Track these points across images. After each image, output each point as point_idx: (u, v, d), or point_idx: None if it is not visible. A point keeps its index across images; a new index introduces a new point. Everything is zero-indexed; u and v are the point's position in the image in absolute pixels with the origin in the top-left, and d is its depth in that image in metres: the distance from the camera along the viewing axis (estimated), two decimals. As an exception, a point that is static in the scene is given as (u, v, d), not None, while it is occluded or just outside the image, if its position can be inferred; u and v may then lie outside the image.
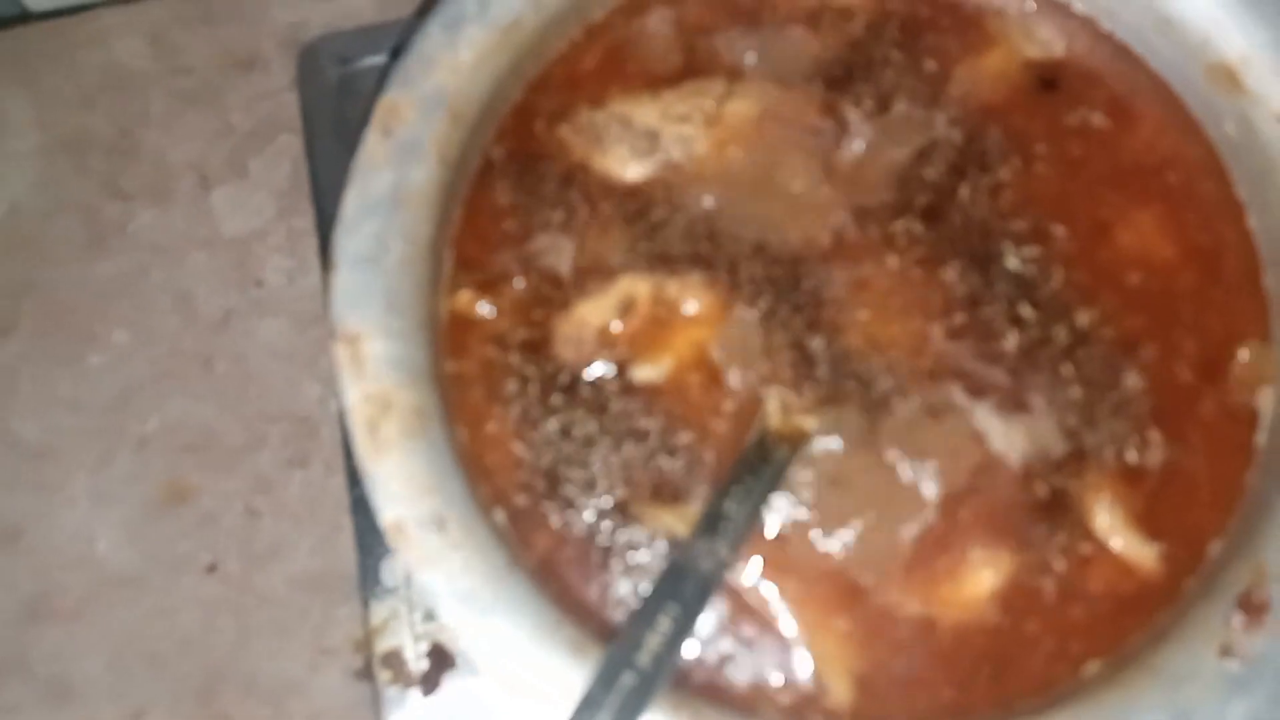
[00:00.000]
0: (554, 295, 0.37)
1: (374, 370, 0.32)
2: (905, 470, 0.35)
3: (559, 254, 0.38)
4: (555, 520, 0.34)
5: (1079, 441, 0.35)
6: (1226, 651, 0.31)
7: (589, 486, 0.35)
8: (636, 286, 0.37)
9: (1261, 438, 0.35)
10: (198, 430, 0.52)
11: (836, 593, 0.33)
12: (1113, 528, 0.34)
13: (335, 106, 0.56)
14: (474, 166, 0.37)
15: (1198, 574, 0.34)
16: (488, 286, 0.36)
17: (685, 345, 0.36)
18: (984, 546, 0.34)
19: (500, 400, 0.35)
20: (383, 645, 0.46)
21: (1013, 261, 0.37)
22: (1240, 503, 0.34)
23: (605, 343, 0.36)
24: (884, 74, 0.39)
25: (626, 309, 0.37)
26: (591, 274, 0.37)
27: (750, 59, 0.39)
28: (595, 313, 0.37)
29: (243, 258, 0.55)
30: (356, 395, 0.32)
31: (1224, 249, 0.37)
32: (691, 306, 0.37)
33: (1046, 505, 0.35)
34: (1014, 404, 0.35)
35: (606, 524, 0.35)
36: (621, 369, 0.36)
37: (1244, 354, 0.36)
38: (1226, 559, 0.33)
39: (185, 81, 0.59)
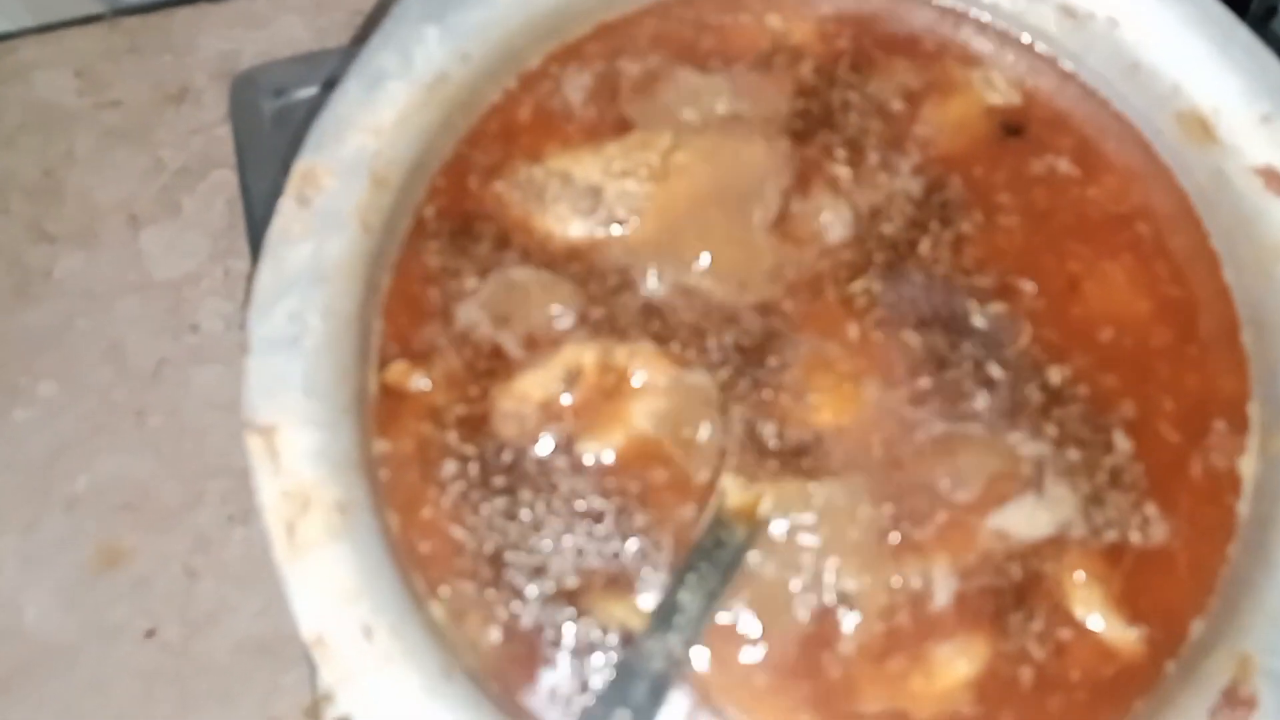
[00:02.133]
0: (494, 366, 0.34)
1: (291, 464, 0.30)
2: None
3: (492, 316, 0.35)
4: (499, 612, 0.32)
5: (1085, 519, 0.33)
6: (1213, 750, 0.29)
7: (536, 574, 0.33)
8: (582, 355, 0.34)
9: (1244, 507, 0.33)
10: (131, 488, 0.50)
11: (800, 688, 0.31)
12: (1092, 610, 0.32)
13: (271, 140, 0.53)
14: (404, 230, 0.35)
15: (1179, 657, 0.31)
16: (422, 358, 0.33)
17: (637, 418, 0.34)
18: (958, 635, 0.31)
19: (436, 482, 0.33)
20: (333, 712, 0.43)
21: (979, 319, 0.34)
22: (1222, 579, 0.32)
23: (550, 416, 0.34)
24: (845, 119, 0.37)
25: (572, 380, 0.34)
26: (533, 342, 0.35)
27: (698, 108, 0.36)
28: (538, 385, 0.34)
29: (176, 302, 0.53)
30: (272, 493, 0.29)
31: (1199, 304, 0.35)
32: (641, 377, 0.34)
33: (1021, 588, 0.32)
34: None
35: (554, 616, 0.32)
36: (568, 445, 0.33)
37: (1220, 425, 0.34)
38: (1209, 642, 0.31)
39: (112, 116, 0.56)
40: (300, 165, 0.32)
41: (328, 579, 0.29)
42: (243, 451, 0.48)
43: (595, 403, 0.34)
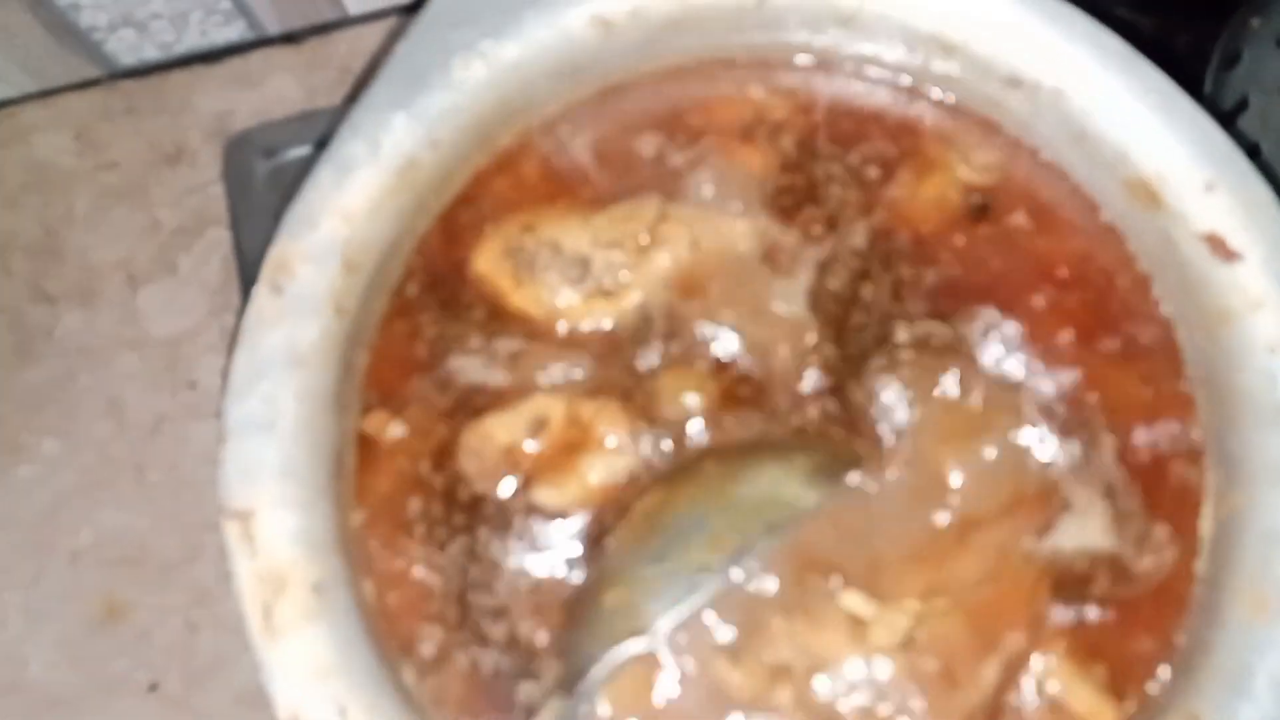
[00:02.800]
0: (465, 408, 0.35)
1: (267, 547, 0.31)
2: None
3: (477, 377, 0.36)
4: (463, 661, 0.33)
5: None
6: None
7: (498, 615, 0.33)
8: (550, 406, 0.35)
9: (1201, 566, 0.33)
10: (132, 542, 0.51)
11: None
12: (1070, 688, 0.33)
13: (265, 199, 0.54)
14: (379, 311, 0.36)
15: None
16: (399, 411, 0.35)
17: (592, 473, 0.35)
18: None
19: (404, 528, 0.33)
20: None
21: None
22: (1178, 640, 0.33)
23: (512, 461, 0.35)
24: (828, 192, 0.38)
25: (538, 428, 0.35)
26: (506, 394, 0.36)
27: (684, 180, 0.37)
28: (504, 428, 0.35)
29: (174, 359, 0.54)
30: (249, 577, 0.30)
31: (1154, 366, 0.36)
32: (605, 435, 0.35)
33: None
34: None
35: (511, 663, 0.33)
36: (525, 490, 0.34)
37: (1176, 485, 0.34)
38: (1164, 703, 0.32)
39: (110, 177, 0.57)
40: (273, 253, 0.33)
41: (303, 659, 0.30)
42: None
43: (557, 453, 0.34)
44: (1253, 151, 0.45)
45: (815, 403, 0.35)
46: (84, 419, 0.52)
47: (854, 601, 0.33)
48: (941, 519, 0.34)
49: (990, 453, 0.34)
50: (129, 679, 0.49)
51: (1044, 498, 0.34)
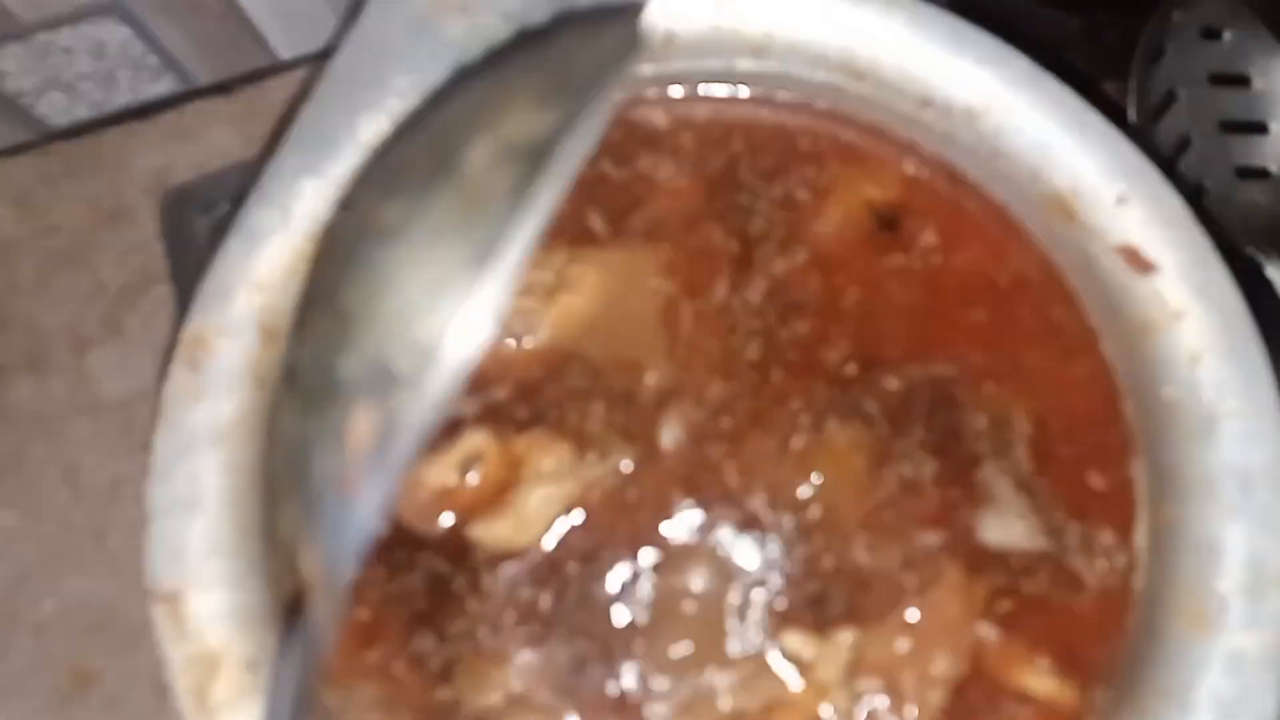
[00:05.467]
0: None
1: (196, 629, 0.30)
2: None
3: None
4: (411, 686, 0.33)
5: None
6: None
7: (444, 658, 0.33)
8: (480, 443, 0.35)
9: (1138, 580, 0.33)
10: (97, 609, 0.51)
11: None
12: (1024, 676, 0.33)
13: (206, 253, 0.53)
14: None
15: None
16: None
17: (531, 503, 0.35)
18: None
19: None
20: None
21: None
22: (1121, 651, 0.33)
23: (446, 500, 0.35)
24: (747, 223, 0.38)
25: (469, 466, 0.35)
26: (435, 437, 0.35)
27: (594, 221, 0.37)
28: (435, 471, 0.35)
29: (128, 421, 0.54)
30: (180, 659, 0.30)
31: (1083, 379, 0.36)
32: (539, 465, 0.35)
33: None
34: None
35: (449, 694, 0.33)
36: (461, 528, 0.34)
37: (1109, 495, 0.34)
38: (1108, 714, 0.32)
39: (53, 241, 0.57)
40: (188, 331, 0.33)
41: (239, 739, 0.30)
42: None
43: (492, 489, 0.34)
44: (1183, 144, 0.45)
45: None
46: (41, 488, 0.52)
47: (793, 642, 0.33)
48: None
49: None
50: (99, 749, 0.48)
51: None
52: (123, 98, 0.57)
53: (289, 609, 0.32)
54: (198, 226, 0.55)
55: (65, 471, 0.53)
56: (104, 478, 0.53)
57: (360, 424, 0.21)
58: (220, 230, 0.55)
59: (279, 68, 0.58)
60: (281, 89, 0.59)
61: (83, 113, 0.57)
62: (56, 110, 0.56)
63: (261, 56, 0.57)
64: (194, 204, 0.55)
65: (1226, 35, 0.46)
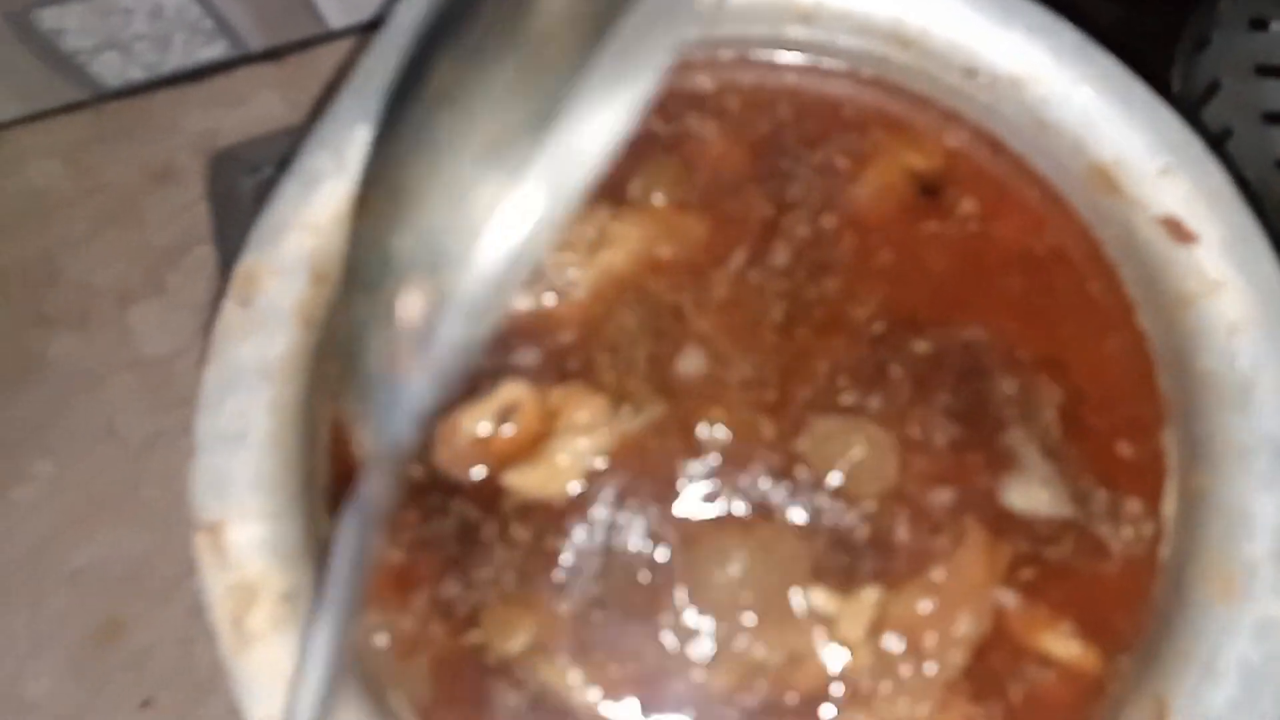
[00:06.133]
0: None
1: (237, 559, 0.31)
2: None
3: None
4: (437, 652, 0.33)
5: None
6: (1130, 791, 0.30)
7: (474, 602, 0.34)
8: (517, 394, 0.36)
9: (1165, 548, 0.34)
10: (130, 560, 0.52)
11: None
12: (1046, 640, 0.33)
13: (249, 215, 0.54)
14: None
15: (1106, 694, 0.32)
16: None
17: (561, 454, 0.35)
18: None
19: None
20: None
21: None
22: (1146, 617, 0.33)
23: (482, 449, 0.35)
24: (791, 187, 0.38)
25: (506, 416, 0.36)
26: (474, 386, 0.36)
27: (640, 179, 0.38)
28: (473, 419, 0.36)
29: (167, 377, 0.55)
30: (219, 588, 0.31)
31: (1117, 351, 0.36)
32: (575, 416, 0.36)
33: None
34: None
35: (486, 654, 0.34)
36: (496, 476, 0.35)
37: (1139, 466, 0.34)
38: (1132, 681, 0.32)
39: (103, 199, 0.58)
40: (241, 267, 0.34)
41: (273, 668, 0.31)
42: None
43: (528, 438, 0.35)
44: (1225, 134, 0.45)
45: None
46: (80, 440, 0.53)
47: (818, 599, 0.33)
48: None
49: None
50: (125, 697, 0.49)
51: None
52: (175, 60, 0.58)
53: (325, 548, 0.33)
54: (243, 188, 0.56)
55: (104, 425, 0.54)
56: (142, 432, 0.54)
57: (410, 302, 0.22)
58: (264, 193, 0.56)
59: (328, 36, 0.59)
60: (329, 57, 0.60)
61: (136, 74, 0.58)
62: (110, 70, 0.58)
63: (312, 25, 0.58)
64: (240, 166, 0.56)
65: (1274, 26, 0.46)
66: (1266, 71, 0.47)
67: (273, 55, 0.60)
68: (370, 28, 0.59)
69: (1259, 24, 0.46)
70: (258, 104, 0.60)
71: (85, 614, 0.51)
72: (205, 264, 0.57)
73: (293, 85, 0.60)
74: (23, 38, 0.54)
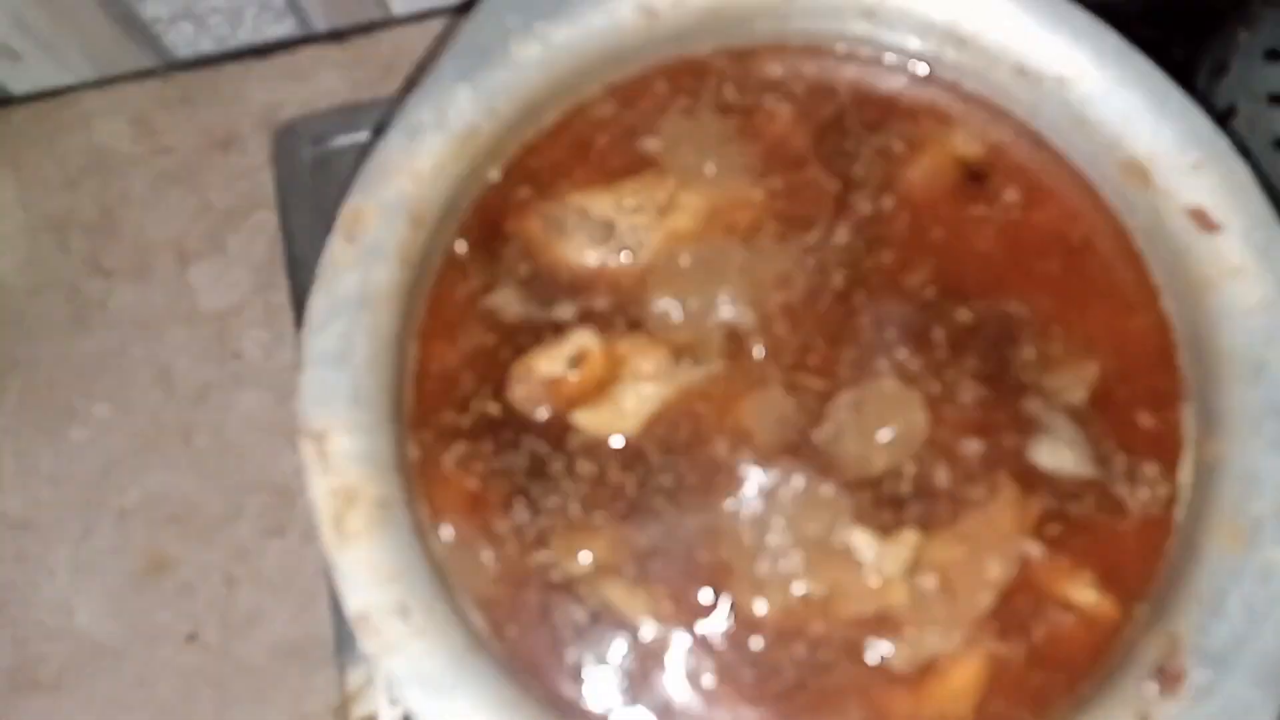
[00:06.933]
0: (513, 347, 0.40)
1: (339, 465, 0.34)
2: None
3: (513, 312, 0.40)
4: (511, 568, 0.37)
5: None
6: (1144, 719, 0.33)
7: (543, 527, 0.38)
8: (587, 341, 0.40)
9: (1180, 512, 0.37)
10: (177, 501, 0.54)
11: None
12: (1068, 586, 0.37)
13: (310, 184, 0.58)
14: (438, 263, 0.40)
15: (1121, 638, 0.36)
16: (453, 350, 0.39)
17: (628, 399, 0.39)
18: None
19: (459, 452, 0.38)
20: (359, 711, 0.47)
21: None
22: (1159, 571, 0.37)
23: (553, 390, 0.39)
24: (848, 169, 0.42)
25: (577, 361, 0.39)
26: (548, 333, 0.40)
27: (711, 155, 0.42)
28: (547, 362, 0.39)
29: (221, 331, 0.57)
30: (322, 489, 0.34)
31: (1141, 330, 0.40)
32: (639, 365, 0.39)
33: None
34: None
35: (557, 572, 0.37)
36: (564, 414, 0.39)
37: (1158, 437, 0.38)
38: (1146, 624, 0.36)
39: (165, 161, 0.61)
40: (349, 206, 0.37)
41: (370, 564, 0.34)
42: (280, 469, 0.53)
43: (596, 383, 0.39)
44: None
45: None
46: (135, 386, 0.56)
47: (859, 538, 0.37)
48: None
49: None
50: (170, 629, 0.52)
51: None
52: (245, 35, 0.61)
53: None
54: (304, 159, 0.59)
55: (159, 373, 0.56)
56: (194, 382, 0.56)
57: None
58: (324, 164, 0.60)
59: (391, 21, 0.62)
60: (391, 41, 0.63)
61: (206, 46, 0.61)
62: (183, 40, 0.61)
63: (377, 9, 0.62)
64: (302, 138, 0.59)
65: (1289, 57, 0.50)
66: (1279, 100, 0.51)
67: (337, 36, 0.63)
68: (432, 15, 0.63)
69: (1274, 55, 0.50)
70: (320, 81, 0.63)
71: (132, 550, 0.53)
72: (264, 228, 0.59)
73: (355, 65, 0.63)
74: (104, 2, 0.57)
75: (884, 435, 0.38)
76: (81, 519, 0.53)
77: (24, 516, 0.53)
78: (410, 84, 0.42)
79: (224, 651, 0.51)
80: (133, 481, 0.54)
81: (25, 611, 0.51)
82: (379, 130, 0.41)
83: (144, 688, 0.50)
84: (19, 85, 0.60)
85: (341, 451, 0.35)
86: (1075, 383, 0.39)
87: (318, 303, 0.36)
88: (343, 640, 0.48)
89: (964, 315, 0.40)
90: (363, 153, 0.41)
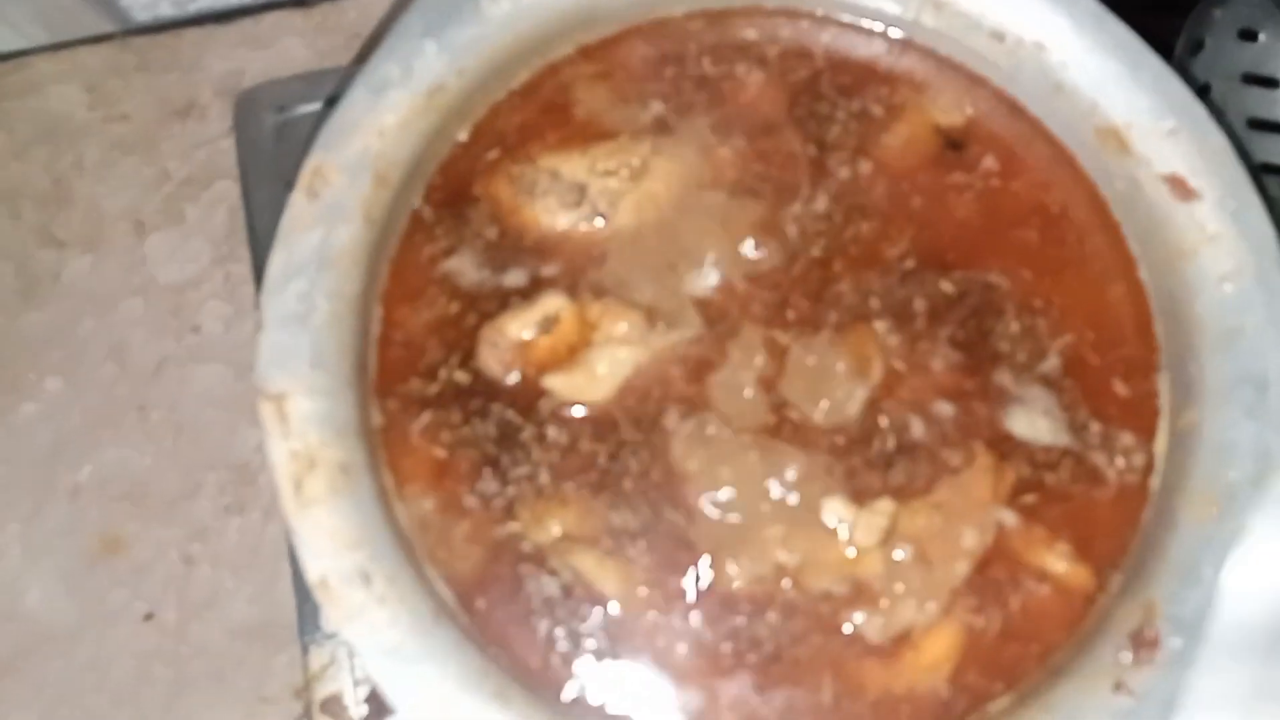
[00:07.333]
0: (482, 310, 0.39)
1: (299, 427, 0.34)
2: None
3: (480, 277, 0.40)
4: (477, 538, 0.36)
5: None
6: (1120, 688, 0.33)
7: (509, 494, 0.37)
8: (559, 305, 0.39)
9: (1155, 481, 0.37)
10: (132, 479, 0.53)
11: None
12: (1043, 556, 0.37)
13: (272, 153, 0.57)
14: (402, 225, 0.39)
15: (1096, 606, 0.36)
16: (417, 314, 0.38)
17: (599, 363, 0.38)
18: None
19: (425, 418, 0.37)
20: (322, 691, 0.46)
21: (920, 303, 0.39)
22: (1135, 540, 0.37)
23: (523, 354, 0.38)
24: (821, 134, 0.42)
25: (548, 325, 0.39)
26: (517, 297, 0.39)
27: (683, 118, 0.41)
28: (517, 325, 0.39)
29: (179, 305, 0.56)
30: (282, 452, 0.33)
31: (1118, 300, 0.40)
32: (612, 329, 0.38)
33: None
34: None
35: (521, 540, 0.37)
36: (535, 379, 0.38)
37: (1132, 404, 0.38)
38: (1121, 593, 0.35)
39: (121, 129, 0.60)
40: (311, 162, 0.36)
41: (331, 530, 0.33)
42: (239, 445, 0.52)
43: (567, 346, 0.38)
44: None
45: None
46: (88, 360, 0.55)
47: (836, 507, 0.37)
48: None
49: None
50: (126, 610, 0.51)
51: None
52: (205, 1, 0.60)
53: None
54: (267, 126, 0.58)
55: (113, 347, 0.55)
56: (150, 356, 0.55)
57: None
58: (286, 132, 0.58)
59: (357, -11, 0.61)
60: (356, 9, 0.62)
61: (165, 10, 0.60)
62: (140, 5, 0.60)
63: (342, -24, 0.61)
64: (264, 106, 0.58)
65: (1262, 37, 0.51)
66: (1252, 80, 0.51)
67: (301, 2, 0.62)
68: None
69: (1249, 34, 0.50)
70: (283, 49, 0.62)
71: (85, 529, 0.52)
72: (224, 198, 0.58)
73: (319, 33, 0.62)
74: (56, -35, 0.55)
75: (840, 370, 0.38)
76: (32, 497, 0.52)
77: (-28, 494, 0.52)
78: (372, 44, 0.41)
79: (182, 633, 0.50)
80: (86, 458, 0.53)
81: (-26, 593, 0.50)
82: (331, 101, 0.41)
83: (98, 671, 0.49)
84: (-32, 49, 0.59)
85: (301, 414, 0.34)
86: (1051, 352, 0.39)
87: (277, 261, 0.35)
88: (305, 620, 0.47)
89: (946, 286, 0.39)
90: (316, 121, 0.40)
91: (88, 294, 0.56)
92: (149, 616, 0.51)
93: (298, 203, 0.36)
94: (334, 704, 0.46)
